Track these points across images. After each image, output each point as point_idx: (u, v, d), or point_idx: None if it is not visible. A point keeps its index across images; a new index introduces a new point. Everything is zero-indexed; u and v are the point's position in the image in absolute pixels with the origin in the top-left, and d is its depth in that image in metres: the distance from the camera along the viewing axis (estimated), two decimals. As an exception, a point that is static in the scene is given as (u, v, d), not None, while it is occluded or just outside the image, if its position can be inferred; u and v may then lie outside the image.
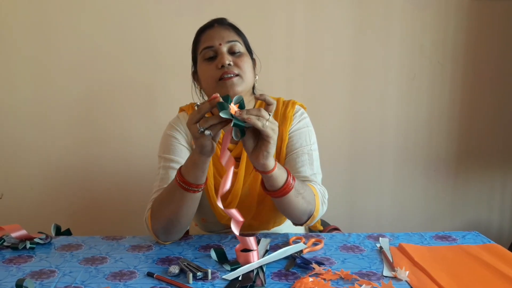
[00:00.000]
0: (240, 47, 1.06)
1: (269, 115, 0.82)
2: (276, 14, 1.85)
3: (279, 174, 0.90)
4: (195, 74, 1.14)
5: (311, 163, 1.10)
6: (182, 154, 1.09)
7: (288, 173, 0.93)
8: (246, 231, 1.11)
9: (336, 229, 1.27)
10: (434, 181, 2.02)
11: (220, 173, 1.10)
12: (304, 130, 1.13)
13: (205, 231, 1.20)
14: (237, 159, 1.09)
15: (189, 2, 1.81)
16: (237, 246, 0.92)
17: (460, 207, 2.05)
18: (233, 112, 0.81)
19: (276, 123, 0.84)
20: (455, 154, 2.01)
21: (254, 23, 1.84)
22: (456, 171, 2.02)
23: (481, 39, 1.93)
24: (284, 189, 0.92)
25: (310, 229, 1.29)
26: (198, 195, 0.96)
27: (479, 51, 1.94)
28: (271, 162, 0.87)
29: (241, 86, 1.02)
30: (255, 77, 1.11)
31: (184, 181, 0.92)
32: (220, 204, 0.87)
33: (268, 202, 1.10)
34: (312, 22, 1.87)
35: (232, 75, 1.01)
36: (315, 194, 1.03)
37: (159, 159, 1.11)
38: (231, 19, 1.14)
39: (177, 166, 1.00)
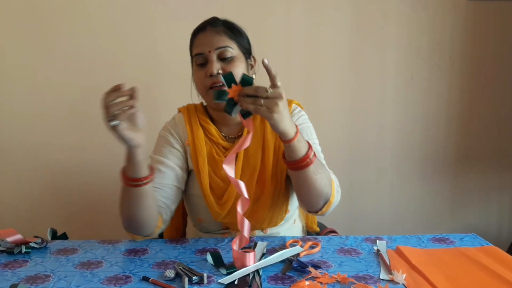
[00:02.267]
0: (231, 51, 1.06)
1: (269, 91, 0.81)
2: (274, 17, 1.85)
3: (299, 147, 0.90)
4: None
5: (318, 156, 1.10)
6: (170, 155, 1.10)
7: (310, 148, 0.92)
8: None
9: (333, 231, 1.26)
10: (432, 183, 2.02)
11: (215, 173, 1.10)
12: (304, 126, 1.14)
13: (202, 232, 1.19)
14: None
15: (187, 5, 1.80)
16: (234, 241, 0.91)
17: (459, 210, 2.05)
18: (233, 95, 0.84)
19: (279, 95, 0.82)
20: (453, 156, 2.01)
21: (252, 25, 1.82)
22: (454, 173, 2.02)
23: (477, 40, 1.93)
24: (303, 161, 0.91)
25: (308, 231, 1.29)
26: (144, 190, 0.94)
27: (476, 52, 1.94)
28: (288, 131, 0.87)
29: None
30: (253, 76, 1.11)
31: (125, 177, 0.93)
32: (230, 172, 0.88)
33: (264, 201, 1.09)
34: (310, 24, 1.87)
35: (222, 85, 1.02)
36: (332, 179, 1.03)
37: (150, 159, 1.12)
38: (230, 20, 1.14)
39: (164, 168, 1.03)
